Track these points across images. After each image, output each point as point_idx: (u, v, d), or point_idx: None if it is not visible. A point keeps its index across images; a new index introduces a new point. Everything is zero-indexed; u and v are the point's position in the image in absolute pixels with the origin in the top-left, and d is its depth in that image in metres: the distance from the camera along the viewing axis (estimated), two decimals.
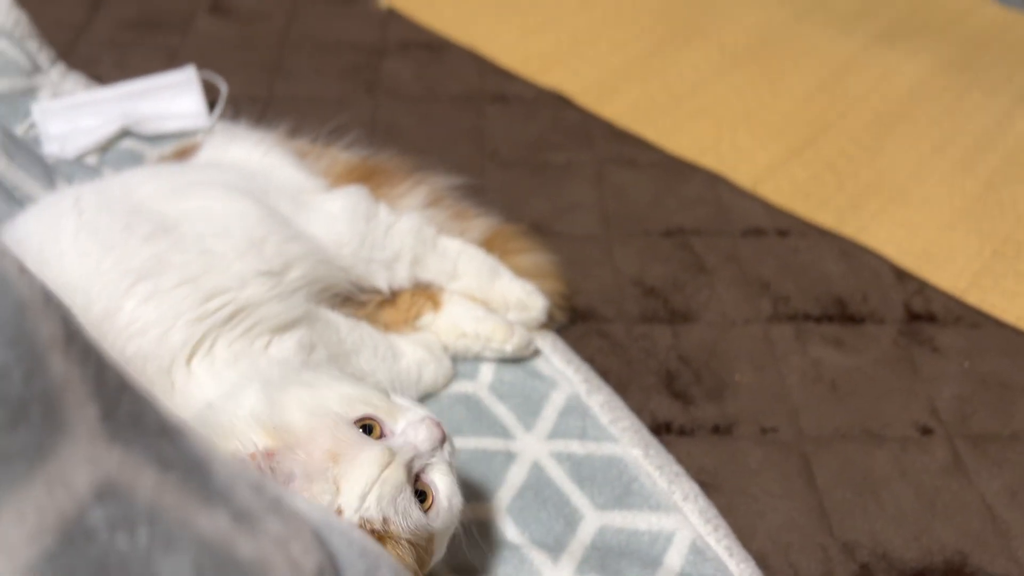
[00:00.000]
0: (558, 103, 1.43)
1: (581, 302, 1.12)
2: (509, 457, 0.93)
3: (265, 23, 1.59)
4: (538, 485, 0.91)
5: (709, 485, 0.94)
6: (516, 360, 1.02)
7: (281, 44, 1.53)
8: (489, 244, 1.09)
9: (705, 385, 1.04)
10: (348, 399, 0.72)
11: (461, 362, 1.02)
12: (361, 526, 0.65)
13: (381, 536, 0.65)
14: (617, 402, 0.99)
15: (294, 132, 1.15)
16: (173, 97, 1.32)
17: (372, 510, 0.65)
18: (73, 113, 1.25)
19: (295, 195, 1.01)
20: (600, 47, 1.56)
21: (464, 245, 1.07)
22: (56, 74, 1.37)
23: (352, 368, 0.91)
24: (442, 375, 1.00)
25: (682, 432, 0.99)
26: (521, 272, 1.07)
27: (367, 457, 0.67)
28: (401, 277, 1.03)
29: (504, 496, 0.90)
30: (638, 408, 1.01)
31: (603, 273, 1.16)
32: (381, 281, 1.01)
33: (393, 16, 1.60)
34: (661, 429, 1.00)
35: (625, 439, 0.95)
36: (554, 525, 0.88)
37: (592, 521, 0.89)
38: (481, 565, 0.85)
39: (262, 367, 0.80)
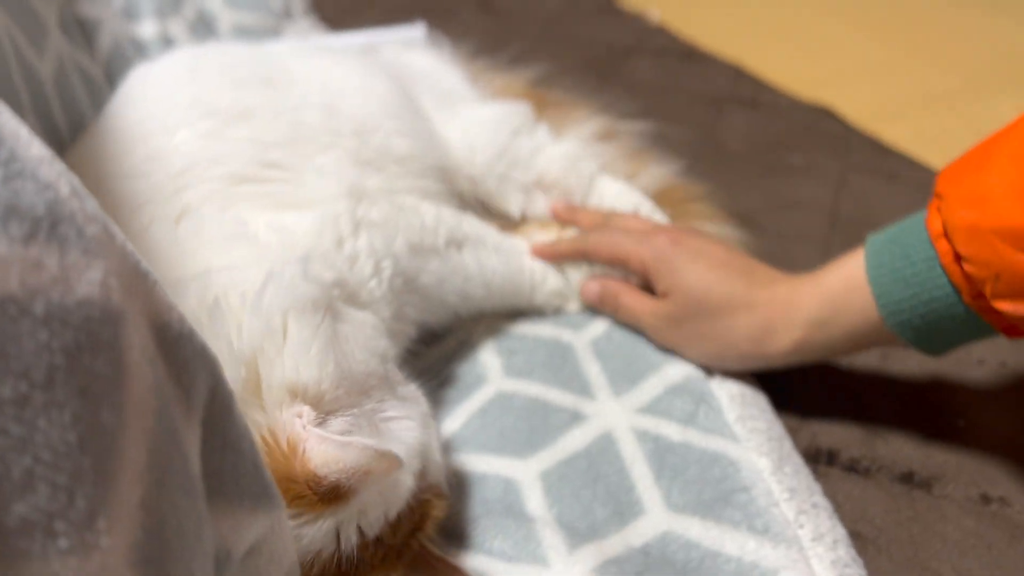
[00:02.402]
0: (818, 115, 1.17)
1: None
2: (574, 417, 0.66)
3: (526, 21, 1.52)
4: (598, 457, 0.63)
5: (866, 539, 0.59)
6: None
7: (534, 38, 1.44)
8: (662, 198, 0.85)
9: (911, 419, 0.69)
10: None
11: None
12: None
13: None
14: (758, 400, 0.68)
15: (475, 54, 1.01)
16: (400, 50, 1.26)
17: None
18: None
19: (445, 95, 0.86)
20: (894, 76, 1.28)
21: (628, 191, 0.84)
22: (305, 25, 1.38)
23: (443, 266, 0.70)
24: (569, 290, 0.78)
25: (852, 468, 0.66)
26: None
27: None
28: (539, 207, 0.83)
29: (543, 459, 0.63)
30: (794, 425, 0.68)
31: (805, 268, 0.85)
32: (513, 205, 0.83)
33: (659, 30, 1.45)
34: (820, 456, 0.66)
35: (752, 443, 0.64)
36: (597, 509, 0.59)
37: (656, 520, 0.58)
38: (470, 530, 0.58)
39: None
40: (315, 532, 0.48)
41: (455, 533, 0.59)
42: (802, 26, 1.50)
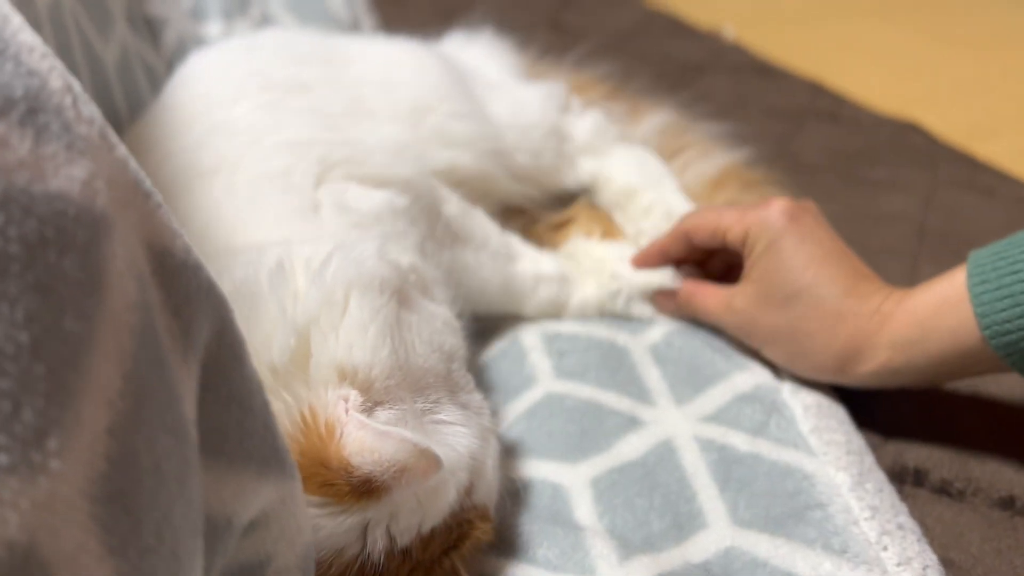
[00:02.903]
0: (903, 129, 1.10)
1: None
2: (631, 423, 0.61)
3: (597, 40, 1.48)
4: (656, 466, 0.57)
5: (960, 568, 0.52)
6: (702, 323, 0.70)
7: (604, 55, 1.41)
8: (725, 181, 0.80)
9: (1010, 440, 0.61)
10: None
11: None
12: None
13: None
14: (836, 412, 0.62)
15: (542, 55, 0.98)
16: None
17: None
18: None
19: (493, 83, 0.84)
20: (987, 94, 1.21)
21: (648, 158, 0.83)
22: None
23: (452, 259, 0.67)
24: (563, 300, 0.73)
25: (943, 491, 0.59)
26: None
27: None
28: (584, 170, 0.83)
29: (595, 464, 0.58)
30: (877, 442, 0.62)
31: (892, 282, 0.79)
32: (570, 179, 0.83)
33: (735, 48, 1.41)
34: (907, 476, 0.60)
35: (829, 456, 0.57)
36: (653, 520, 0.54)
37: (719, 535, 0.52)
38: (513, 536, 0.53)
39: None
40: (340, 526, 0.44)
41: (501, 541, 0.54)
42: (887, 44, 1.44)
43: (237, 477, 0.33)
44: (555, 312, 0.72)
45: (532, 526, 0.54)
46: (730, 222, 0.64)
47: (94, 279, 0.25)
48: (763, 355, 0.64)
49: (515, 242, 0.73)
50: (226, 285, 0.49)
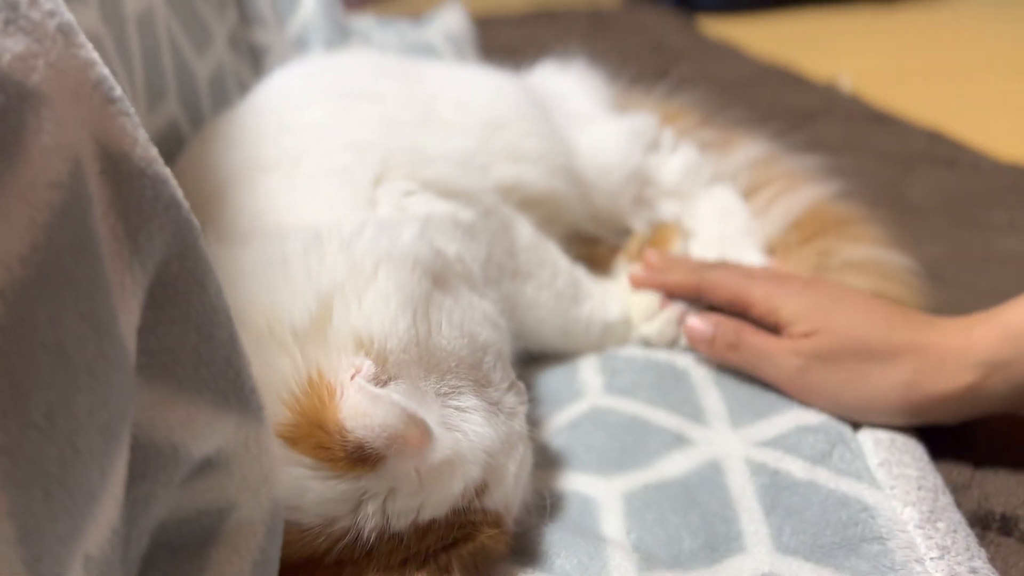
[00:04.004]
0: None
1: None
2: (677, 440, 0.56)
3: (706, 88, 1.46)
4: (699, 486, 0.53)
5: None
6: None
7: (710, 101, 1.38)
8: (813, 220, 0.75)
9: None
10: None
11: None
12: None
13: None
14: (911, 447, 0.56)
15: (631, 85, 0.97)
16: None
17: None
18: None
19: (578, 113, 0.83)
20: None
21: (733, 199, 0.78)
22: None
23: (513, 292, 0.65)
24: (615, 339, 0.69)
25: None
26: (851, 266, 0.71)
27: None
28: (664, 212, 0.80)
29: (630, 479, 0.54)
30: (961, 483, 0.55)
31: None
32: (640, 222, 0.78)
33: (850, 98, 1.35)
34: (991, 521, 0.53)
35: (898, 490, 0.51)
36: (684, 538, 0.49)
37: (757, 560, 0.47)
38: (536, 545, 0.49)
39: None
40: (331, 491, 0.41)
41: (520, 548, 0.50)
42: (1010, 98, 1.35)
43: (187, 404, 0.31)
44: (609, 346, 0.69)
45: (554, 536, 0.50)
46: (753, 296, 0.61)
47: (9, 147, 0.24)
48: (819, 407, 0.58)
49: (584, 280, 0.70)
50: (264, 253, 0.49)
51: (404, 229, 0.51)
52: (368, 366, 0.44)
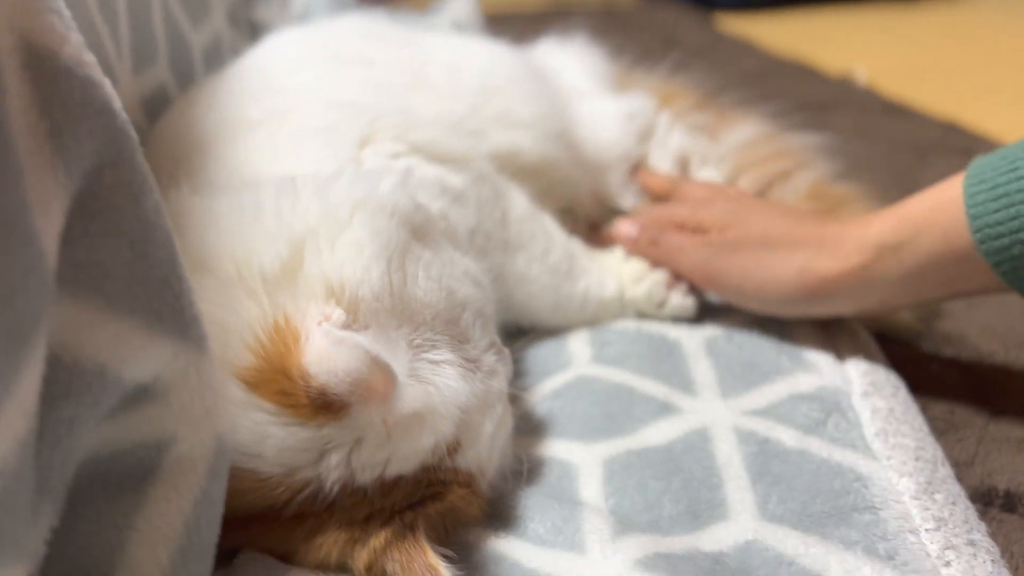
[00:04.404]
0: None
1: (949, 326, 0.67)
2: (664, 408, 0.54)
3: (715, 81, 1.44)
4: (684, 453, 0.50)
5: None
6: (770, 322, 0.62)
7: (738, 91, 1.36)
8: (812, 198, 0.73)
9: None
10: None
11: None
12: None
13: None
14: (911, 418, 0.53)
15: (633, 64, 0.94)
16: None
17: None
18: None
19: (577, 90, 0.81)
20: None
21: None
22: None
23: (503, 264, 0.63)
24: (611, 315, 0.67)
25: None
26: None
27: None
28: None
29: (613, 446, 0.52)
30: (965, 459, 0.53)
31: (1012, 312, 0.69)
32: (627, 202, 0.76)
33: (865, 90, 1.33)
34: (993, 498, 0.50)
35: (894, 460, 0.49)
36: (665, 504, 0.47)
37: (741, 527, 0.45)
38: (510, 511, 0.47)
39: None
40: (292, 437, 0.40)
41: (494, 512, 0.48)
42: None
43: (116, 323, 0.30)
44: (603, 320, 0.67)
45: (529, 500, 0.47)
46: (683, 218, 0.65)
47: None
48: (720, 292, 0.63)
49: (580, 255, 0.67)
50: (237, 201, 0.48)
51: (384, 178, 0.50)
52: (339, 314, 0.42)
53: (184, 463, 0.33)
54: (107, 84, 0.30)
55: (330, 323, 0.41)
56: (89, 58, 0.29)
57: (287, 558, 0.42)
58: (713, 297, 0.67)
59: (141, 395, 0.32)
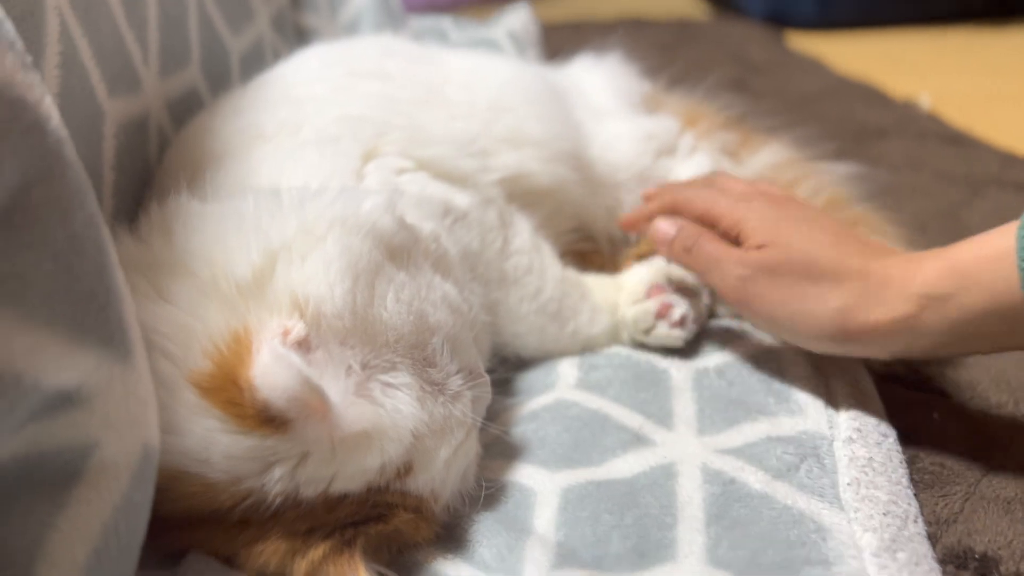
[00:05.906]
0: None
1: (961, 372, 0.65)
2: (635, 440, 0.54)
3: (780, 101, 1.41)
4: (645, 488, 0.50)
5: None
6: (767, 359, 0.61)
7: (780, 114, 1.33)
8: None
9: None
10: None
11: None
12: None
13: None
14: (891, 471, 0.51)
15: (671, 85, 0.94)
16: None
17: None
18: None
19: (598, 109, 0.81)
20: None
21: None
22: None
23: (497, 299, 0.63)
24: (598, 348, 0.67)
25: None
26: None
27: None
28: None
29: (574, 475, 0.51)
30: (946, 516, 0.50)
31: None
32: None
33: (927, 117, 1.28)
34: (967, 561, 0.48)
35: (860, 514, 0.47)
36: (613, 540, 0.46)
37: (683, 572, 0.44)
38: (464, 534, 0.48)
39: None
40: (238, 446, 0.41)
41: (447, 535, 0.48)
42: None
43: (35, 333, 0.31)
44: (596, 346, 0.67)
45: (482, 525, 0.48)
46: (720, 212, 0.60)
47: None
48: (752, 319, 0.60)
49: (572, 293, 0.67)
50: (225, 209, 0.49)
51: (368, 197, 0.50)
52: (299, 328, 0.43)
53: (108, 468, 0.35)
54: (44, 103, 0.31)
55: (289, 337, 0.42)
56: (24, 78, 0.31)
57: (231, 562, 0.44)
58: (715, 325, 0.66)
59: (65, 401, 0.33)
